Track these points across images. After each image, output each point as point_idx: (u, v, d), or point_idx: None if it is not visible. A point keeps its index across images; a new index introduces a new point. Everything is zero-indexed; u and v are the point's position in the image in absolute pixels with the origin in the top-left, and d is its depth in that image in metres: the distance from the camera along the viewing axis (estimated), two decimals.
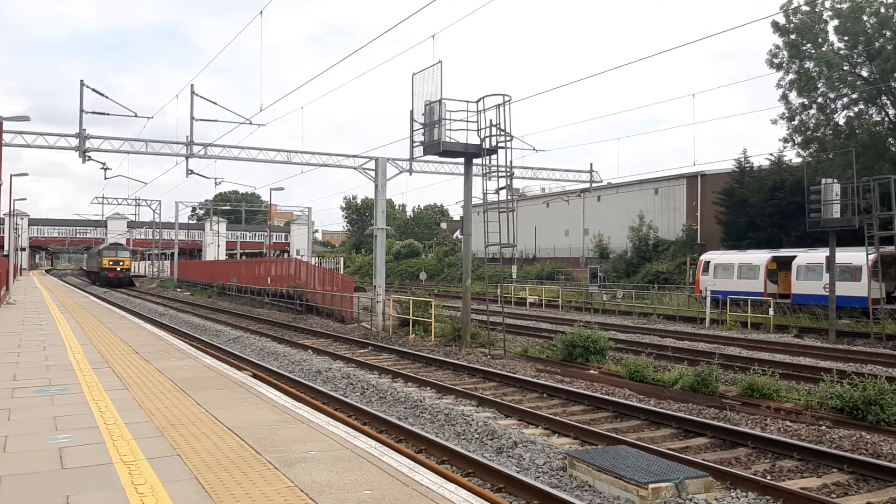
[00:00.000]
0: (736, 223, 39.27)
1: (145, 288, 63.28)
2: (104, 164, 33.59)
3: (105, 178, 40.27)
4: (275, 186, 53.66)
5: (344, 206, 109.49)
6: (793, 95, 37.33)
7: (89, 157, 25.29)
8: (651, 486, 7.23)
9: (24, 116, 24.78)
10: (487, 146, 19.59)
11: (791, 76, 37.09)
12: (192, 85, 26.76)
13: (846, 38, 35.42)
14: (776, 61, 37.18)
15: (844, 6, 35.04)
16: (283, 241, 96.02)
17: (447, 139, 19.80)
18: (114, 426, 7.29)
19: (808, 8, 35.53)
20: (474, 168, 21.95)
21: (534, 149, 27.91)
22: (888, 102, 35.67)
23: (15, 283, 37.26)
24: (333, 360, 17.85)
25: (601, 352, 16.99)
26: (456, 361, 16.95)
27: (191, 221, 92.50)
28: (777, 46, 37.13)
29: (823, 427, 10.69)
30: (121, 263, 65.26)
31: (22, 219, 76.58)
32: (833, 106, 37.24)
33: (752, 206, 37.86)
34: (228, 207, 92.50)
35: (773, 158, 39.88)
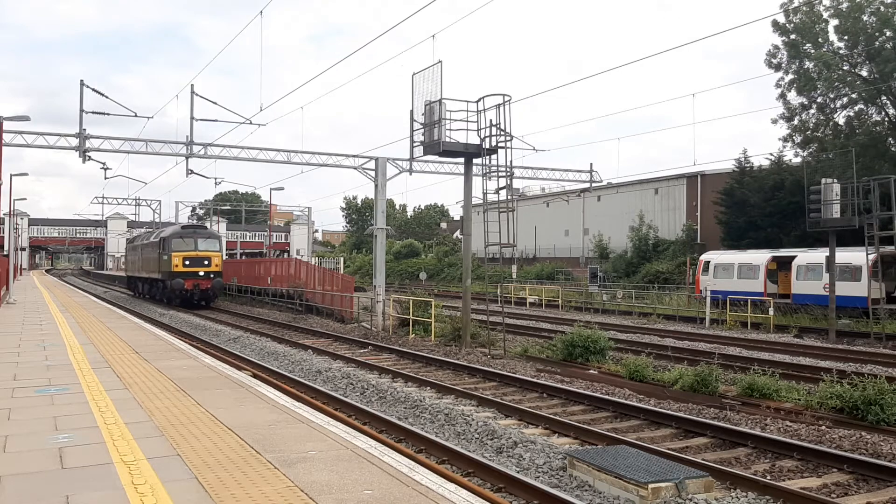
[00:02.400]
0: (736, 223, 39.28)
1: None
2: (104, 164, 33.59)
3: (105, 178, 40.29)
4: (275, 186, 53.63)
5: (344, 206, 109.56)
6: (792, 95, 37.38)
7: (89, 157, 25.31)
8: (651, 485, 7.23)
9: (24, 116, 24.79)
10: (487, 146, 19.60)
11: (791, 76, 37.11)
12: (192, 85, 26.79)
13: (846, 37, 35.43)
14: (774, 61, 37.20)
15: (844, 6, 35.04)
16: (283, 241, 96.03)
17: (447, 139, 19.80)
18: (114, 426, 7.29)
19: (807, 8, 35.54)
20: (474, 168, 21.96)
21: (534, 149, 27.94)
22: (888, 102, 35.67)
23: (15, 283, 37.27)
24: (333, 360, 17.85)
25: (601, 352, 16.99)
26: (456, 361, 16.95)
27: (191, 221, 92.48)
28: (775, 46, 37.15)
29: (823, 427, 10.69)
30: (206, 263, 35.84)
31: (22, 219, 76.62)
32: (833, 106, 37.26)
33: (752, 205, 37.88)
34: (228, 207, 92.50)
35: (773, 158, 39.92)
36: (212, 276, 35.76)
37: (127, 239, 62.92)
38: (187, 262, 35.13)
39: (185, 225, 40.61)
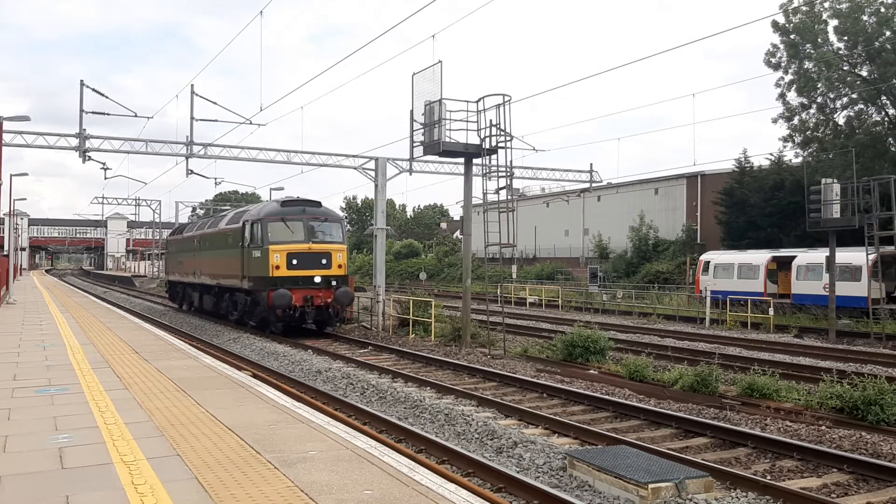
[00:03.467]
0: (736, 223, 39.30)
1: (145, 288, 63.16)
2: (104, 164, 33.58)
3: (105, 178, 40.30)
4: (275, 186, 53.53)
5: (344, 206, 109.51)
6: (792, 95, 37.42)
7: (89, 157, 25.31)
8: (651, 485, 7.23)
9: (24, 116, 24.78)
10: (487, 146, 19.60)
11: (790, 76, 37.14)
12: (192, 85, 26.78)
13: (846, 37, 35.45)
14: (773, 61, 37.23)
15: (844, 6, 35.07)
16: None
17: (447, 139, 19.80)
18: (114, 426, 7.29)
19: (807, 8, 35.56)
20: (474, 168, 21.96)
21: (534, 149, 27.96)
22: (888, 102, 35.69)
23: (15, 283, 37.30)
24: (333, 360, 17.85)
25: (601, 352, 16.99)
26: (456, 361, 16.95)
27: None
28: (774, 46, 37.18)
29: (823, 427, 10.69)
30: (324, 262, 22.65)
31: (22, 219, 76.64)
32: (833, 106, 37.29)
33: (752, 206, 37.89)
34: (229, 207, 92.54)
35: (773, 158, 39.94)
36: (333, 283, 22.24)
37: (171, 230, 44.94)
38: (295, 262, 21.86)
39: (286, 200, 24.21)
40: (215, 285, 27.46)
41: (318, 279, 22.18)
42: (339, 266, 22.73)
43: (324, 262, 22.43)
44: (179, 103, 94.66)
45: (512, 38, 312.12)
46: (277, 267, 21.91)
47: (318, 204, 24.20)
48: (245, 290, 23.76)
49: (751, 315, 26.96)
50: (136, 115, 26.97)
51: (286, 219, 22.69)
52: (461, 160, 23.39)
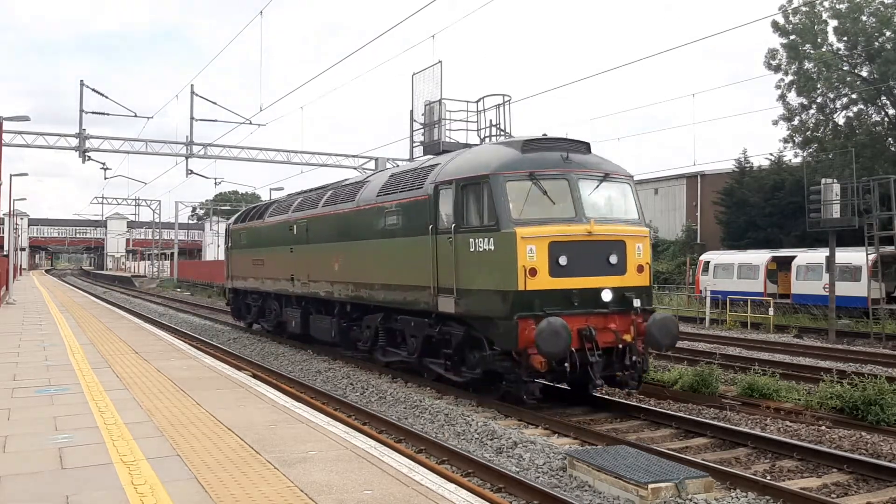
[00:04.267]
0: (736, 223, 39.31)
1: (145, 288, 63.16)
2: (104, 164, 33.65)
3: (105, 179, 40.33)
4: (275, 186, 53.48)
5: None
6: (792, 96, 37.45)
7: (89, 157, 25.36)
8: (651, 486, 7.22)
9: (24, 116, 24.79)
10: None
11: (790, 77, 37.16)
12: (192, 85, 26.82)
13: (845, 38, 35.47)
14: (774, 62, 37.26)
15: (843, 6, 35.10)
16: None
17: (447, 139, 19.79)
18: (114, 426, 7.29)
19: (807, 8, 35.60)
20: None
21: None
22: (888, 102, 35.72)
23: (15, 283, 37.29)
24: (333, 360, 17.84)
25: None
26: None
27: (191, 221, 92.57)
28: (773, 50, 37.23)
29: (823, 427, 10.69)
30: (613, 263, 10.93)
31: (22, 219, 76.72)
32: (832, 106, 37.32)
33: (752, 205, 37.90)
34: (228, 207, 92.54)
35: (773, 158, 39.96)
36: (636, 303, 11.29)
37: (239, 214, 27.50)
38: (564, 262, 10.65)
39: (528, 138, 11.92)
40: (346, 301, 16.43)
41: (607, 295, 11.18)
42: (640, 269, 11.69)
43: (613, 260, 11.35)
44: (179, 103, 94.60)
45: (512, 39, 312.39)
46: (533, 272, 10.66)
47: (586, 146, 12.44)
48: (448, 316, 12.19)
49: (751, 315, 26.95)
50: (135, 115, 27.04)
51: (538, 175, 11.26)
52: None
